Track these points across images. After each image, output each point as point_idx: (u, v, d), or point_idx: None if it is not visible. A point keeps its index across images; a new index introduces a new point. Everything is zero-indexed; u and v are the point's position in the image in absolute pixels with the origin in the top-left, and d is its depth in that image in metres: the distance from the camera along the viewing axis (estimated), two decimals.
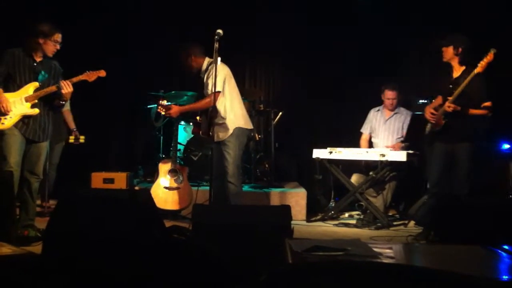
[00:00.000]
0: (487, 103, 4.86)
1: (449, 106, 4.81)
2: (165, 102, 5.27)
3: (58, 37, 4.61)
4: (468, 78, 4.71)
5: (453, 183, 4.98)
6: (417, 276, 1.55)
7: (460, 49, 4.92)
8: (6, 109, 4.45)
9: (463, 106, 4.83)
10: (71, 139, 6.22)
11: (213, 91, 4.95)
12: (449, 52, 4.96)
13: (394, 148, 6.07)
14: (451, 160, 4.98)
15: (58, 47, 4.63)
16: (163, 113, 5.28)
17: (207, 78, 5.13)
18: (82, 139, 6.24)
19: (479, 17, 6.38)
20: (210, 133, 5.21)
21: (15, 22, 6.14)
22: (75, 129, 6.25)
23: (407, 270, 1.61)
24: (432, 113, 5.03)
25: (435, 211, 4.99)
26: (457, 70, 5.00)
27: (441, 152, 5.04)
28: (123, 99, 7.22)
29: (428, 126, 5.17)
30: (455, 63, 4.99)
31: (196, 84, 5.62)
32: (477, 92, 4.81)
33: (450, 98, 4.84)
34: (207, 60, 5.26)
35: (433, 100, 5.26)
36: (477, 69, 4.68)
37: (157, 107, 5.42)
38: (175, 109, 5.25)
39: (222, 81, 5.12)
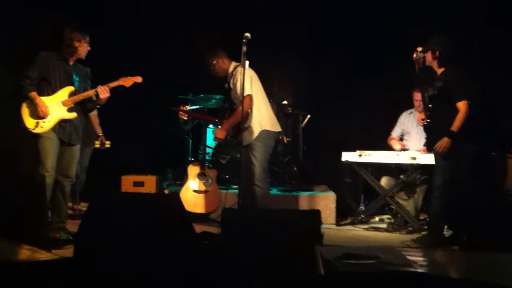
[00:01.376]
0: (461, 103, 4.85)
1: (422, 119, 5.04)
2: (187, 108, 5.30)
3: (87, 40, 4.71)
4: None
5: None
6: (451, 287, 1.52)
7: (437, 53, 4.95)
8: (45, 113, 4.53)
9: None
10: (97, 144, 6.29)
11: (243, 95, 4.97)
12: (428, 57, 5.00)
13: (424, 151, 5.97)
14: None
15: (89, 48, 4.73)
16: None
17: (235, 81, 5.12)
18: (108, 144, 6.30)
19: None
20: (239, 137, 5.22)
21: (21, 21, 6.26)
22: (101, 134, 6.31)
23: (441, 281, 1.58)
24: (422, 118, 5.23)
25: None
26: (438, 73, 5.05)
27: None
28: (152, 102, 7.26)
29: None
30: (435, 66, 5.04)
31: (223, 87, 5.62)
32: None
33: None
34: (233, 64, 5.27)
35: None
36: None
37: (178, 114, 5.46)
38: (220, 133, 5.25)
39: (250, 84, 5.12)
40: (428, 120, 5.00)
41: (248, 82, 5.07)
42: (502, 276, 2.02)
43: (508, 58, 6.47)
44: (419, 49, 4.91)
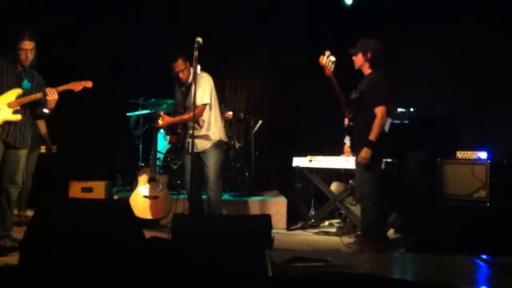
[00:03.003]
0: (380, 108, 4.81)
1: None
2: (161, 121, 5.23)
3: (24, 44, 4.50)
4: None
5: None
6: None
7: (369, 54, 4.93)
8: None
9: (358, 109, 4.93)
10: (43, 149, 6.15)
11: (201, 103, 5.05)
12: (359, 59, 4.99)
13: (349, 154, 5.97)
14: None
15: (28, 55, 4.53)
16: (155, 124, 5.23)
17: (197, 87, 5.02)
18: (54, 148, 6.17)
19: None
20: (185, 145, 5.25)
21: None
22: (47, 139, 6.17)
23: (387, 282, 1.62)
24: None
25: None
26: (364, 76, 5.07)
27: None
28: (102, 107, 7.15)
29: None
30: (365, 69, 5.01)
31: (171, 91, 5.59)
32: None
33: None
34: (191, 69, 5.23)
35: None
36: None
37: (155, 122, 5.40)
38: (166, 120, 5.24)
39: (210, 93, 5.15)
40: (351, 123, 4.99)
41: (208, 91, 5.15)
42: (448, 277, 2.08)
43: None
44: (327, 53, 4.74)
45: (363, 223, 5.12)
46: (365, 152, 4.76)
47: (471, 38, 6.56)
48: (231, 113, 7.01)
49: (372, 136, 4.74)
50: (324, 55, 4.72)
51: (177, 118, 5.25)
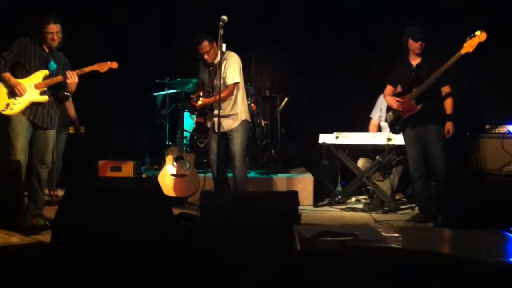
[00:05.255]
0: (447, 88, 5.17)
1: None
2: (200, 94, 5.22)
3: (50, 28, 4.55)
4: (454, 59, 4.76)
5: (432, 165, 5.17)
6: (426, 261, 1.55)
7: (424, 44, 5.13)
8: (23, 91, 4.46)
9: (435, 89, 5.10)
10: (71, 130, 6.24)
11: (232, 82, 5.09)
12: (422, 46, 5.15)
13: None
14: (424, 143, 5.20)
15: (55, 37, 4.58)
16: (195, 103, 5.22)
17: (227, 66, 5.06)
18: (82, 129, 6.26)
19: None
20: (208, 124, 5.33)
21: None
22: (76, 120, 6.26)
23: (416, 255, 1.61)
24: (398, 101, 5.23)
25: (442, 196, 5.04)
26: (414, 59, 5.20)
27: (414, 136, 5.24)
28: (129, 87, 7.20)
29: (390, 115, 5.43)
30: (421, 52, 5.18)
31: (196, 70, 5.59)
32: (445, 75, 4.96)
33: (416, 87, 5.08)
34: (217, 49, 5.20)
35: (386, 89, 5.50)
36: (466, 50, 4.71)
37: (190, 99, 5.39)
38: (203, 101, 5.21)
39: (239, 72, 5.16)
40: (420, 106, 5.10)
41: (238, 70, 5.16)
42: (479, 250, 2.07)
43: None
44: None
45: (424, 199, 5.21)
46: (451, 125, 5.11)
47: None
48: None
49: (451, 111, 5.13)
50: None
51: (211, 99, 5.19)
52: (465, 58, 4.84)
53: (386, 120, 5.65)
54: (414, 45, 5.13)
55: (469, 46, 4.69)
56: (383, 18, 7.04)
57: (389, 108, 5.47)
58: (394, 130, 5.47)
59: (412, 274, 1.43)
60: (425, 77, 5.03)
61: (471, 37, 4.69)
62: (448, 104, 5.17)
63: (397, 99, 5.25)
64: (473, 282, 1.43)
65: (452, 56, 4.79)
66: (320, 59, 7.55)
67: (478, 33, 4.68)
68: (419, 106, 5.11)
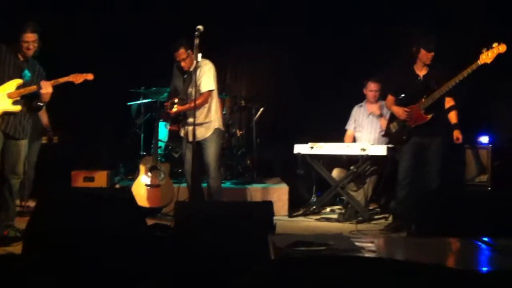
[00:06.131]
0: (451, 99, 5.21)
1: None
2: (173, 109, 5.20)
3: (27, 37, 4.48)
4: (469, 70, 4.73)
5: (425, 176, 5.20)
6: (400, 270, 1.56)
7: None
8: None
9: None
10: (44, 139, 6.16)
11: (207, 89, 5.09)
12: (432, 55, 5.14)
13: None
14: (424, 153, 5.20)
15: (30, 47, 4.50)
16: (169, 111, 5.20)
17: (201, 74, 5.07)
18: (55, 139, 6.18)
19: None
20: (181, 132, 5.33)
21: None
22: (49, 129, 6.18)
23: (389, 264, 1.62)
24: (406, 111, 5.23)
25: (407, 203, 5.12)
26: (422, 69, 5.21)
27: (417, 146, 5.23)
28: (103, 96, 7.14)
29: (395, 124, 5.42)
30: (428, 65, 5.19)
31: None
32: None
33: (425, 97, 5.07)
34: (193, 57, 5.20)
35: (387, 99, 5.55)
36: (484, 60, 4.66)
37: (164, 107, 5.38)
38: (178, 108, 5.20)
39: (214, 80, 5.16)
40: (431, 115, 5.09)
41: (212, 78, 5.17)
42: (451, 258, 2.09)
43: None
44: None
45: (404, 207, 5.24)
46: (459, 133, 5.21)
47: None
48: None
49: (457, 120, 5.22)
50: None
51: (186, 106, 5.18)
52: None
53: (388, 130, 5.57)
54: (426, 55, 5.12)
55: (487, 57, 4.64)
56: (359, 29, 7.13)
57: (392, 118, 5.46)
58: (399, 139, 5.39)
59: (384, 283, 1.44)
60: (435, 86, 5.03)
61: (489, 49, 4.64)
62: (453, 114, 5.22)
63: (405, 109, 5.23)
64: None
65: (467, 67, 4.75)
66: (296, 70, 7.60)
67: (495, 44, 4.63)
68: (429, 116, 5.09)
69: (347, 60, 7.21)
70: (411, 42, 5.23)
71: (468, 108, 6.41)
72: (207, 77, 5.09)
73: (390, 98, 5.49)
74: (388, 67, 6.11)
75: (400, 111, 5.27)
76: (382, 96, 6.32)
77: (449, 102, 5.23)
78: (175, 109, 5.14)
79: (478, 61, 4.67)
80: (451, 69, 4.97)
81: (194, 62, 5.00)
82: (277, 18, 7.57)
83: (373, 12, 7.13)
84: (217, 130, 5.27)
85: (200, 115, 5.14)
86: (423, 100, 5.10)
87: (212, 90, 5.17)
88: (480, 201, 3.81)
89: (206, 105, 5.19)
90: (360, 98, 6.47)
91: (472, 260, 2.12)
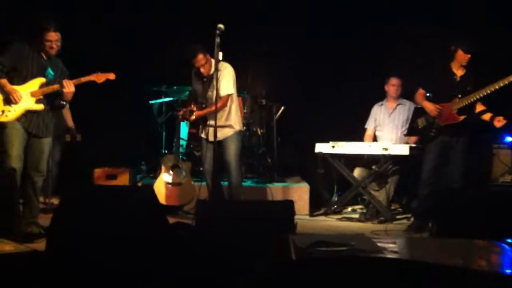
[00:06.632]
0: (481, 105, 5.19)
1: (499, 121, 5.07)
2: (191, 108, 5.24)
3: (50, 36, 4.52)
4: (510, 78, 4.71)
5: (448, 176, 5.15)
6: (422, 271, 1.55)
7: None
8: (18, 98, 4.44)
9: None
10: (68, 137, 6.23)
11: (226, 93, 5.09)
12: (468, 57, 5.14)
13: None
14: (449, 152, 5.16)
15: (53, 46, 4.55)
16: (188, 118, 5.27)
17: (221, 77, 4.98)
18: (79, 137, 6.25)
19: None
20: (203, 133, 5.35)
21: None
22: (73, 128, 6.25)
23: (412, 266, 1.61)
24: (438, 108, 5.17)
25: (438, 204, 5.05)
26: (459, 69, 5.17)
27: (444, 145, 5.18)
28: (126, 95, 7.20)
29: (423, 120, 5.35)
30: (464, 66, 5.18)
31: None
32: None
33: (459, 97, 5.04)
34: (213, 60, 5.19)
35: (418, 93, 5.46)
36: None
37: (177, 111, 5.40)
38: (196, 114, 5.25)
39: (233, 83, 5.18)
40: (463, 116, 5.08)
41: (231, 81, 5.18)
42: (474, 260, 2.07)
43: None
44: None
45: (426, 206, 5.19)
46: (502, 117, 5.10)
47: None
48: None
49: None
50: None
51: (205, 111, 5.23)
52: None
53: (414, 125, 5.47)
54: (463, 57, 5.09)
55: None
56: (383, 29, 7.08)
57: (421, 113, 5.38)
58: (426, 136, 5.33)
59: (407, 285, 1.43)
60: (471, 89, 5.01)
61: None
62: (487, 116, 5.18)
63: (437, 106, 5.18)
64: None
65: (509, 75, 4.73)
66: (317, 69, 7.56)
67: None
68: (462, 117, 5.06)
69: (370, 58, 7.16)
70: (448, 40, 5.20)
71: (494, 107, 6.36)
72: (226, 81, 5.09)
73: (421, 92, 5.40)
74: (417, 62, 6.06)
75: (432, 108, 5.19)
76: (402, 93, 6.28)
77: (480, 107, 5.18)
78: (193, 116, 5.20)
79: None
80: (488, 74, 4.96)
81: (213, 64, 4.99)
82: (300, 18, 7.55)
83: None
84: (238, 132, 5.31)
85: (221, 118, 5.15)
86: (457, 100, 5.06)
87: (231, 94, 5.18)
88: (503, 202, 3.77)
89: (226, 108, 5.20)
90: (380, 96, 6.42)
91: (495, 262, 2.09)
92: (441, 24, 5.64)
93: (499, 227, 3.25)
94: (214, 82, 4.82)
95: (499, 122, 5.09)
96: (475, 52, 5.05)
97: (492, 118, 5.13)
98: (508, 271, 1.96)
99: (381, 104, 6.41)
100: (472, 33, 5.40)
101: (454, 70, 5.19)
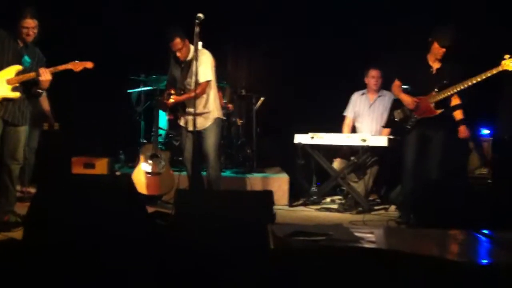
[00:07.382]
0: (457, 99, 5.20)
1: (462, 132, 5.23)
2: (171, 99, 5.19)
3: (26, 23, 4.43)
4: (489, 73, 4.67)
5: (426, 168, 5.16)
6: (398, 261, 1.57)
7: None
8: None
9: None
10: (46, 126, 6.15)
11: (205, 80, 5.04)
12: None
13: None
14: (427, 145, 5.17)
15: (30, 33, 4.46)
16: (166, 101, 5.20)
17: (199, 64, 4.92)
18: (56, 126, 6.17)
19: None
20: (181, 121, 5.33)
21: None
22: (50, 116, 6.17)
23: (388, 255, 1.63)
24: (415, 101, 5.15)
25: (415, 195, 5.10)
26: (434, 62, 5.13)
27: (421, 137, 5.19)
28: (104, 83, 7.12)
29: (399, 112, 5.34)
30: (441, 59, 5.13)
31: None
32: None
33: (436, 90, 5.01)
34: (191, 46, 5.16)
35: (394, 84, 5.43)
36: (507, 67, 4.59)
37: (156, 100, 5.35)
38: (175, 98, 5.19)
39: (212, 70, 5.14)
40: (440, 110, 5.07)
41: (210, 68, 5.14)
42: (450, 250, 2.10)
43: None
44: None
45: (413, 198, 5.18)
46: (465, 128, 5.28)
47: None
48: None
49: (463, 116, 5.26)
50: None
51: (184, 96, 5.19)
52: None
53: (391, 117, 5.45)
54: (438, 50, 5.04)
55: (509, 64, 4.56)
56: (358, 18, 7.11)
57: (398, 105, 5.36)
58: (402, 128, 5.31)
59: (384, 274, 1.44)
60: (448, 82, 4.96)
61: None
62: (459, 112, 5.22)
63: (414, 98, 5.15)
64: (442, 282, 1.45)
65: (487, 70, 4.69)
66: (296, 58, 7.57)
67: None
68: (439, 111, 5.05)
69: (348, 46, 7.18)
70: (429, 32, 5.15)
71: (470, 100, 6.43)
72: (204, 67, 5.05)
73: (397, 83, 5.37)
74: (397, 53, 6.06)
75: (409, 100, 5.17)
76: (383, 85, 6.30)
77: (455, 100, 5.17)
78: (172, 100, 5.14)
79: (500, 67, 4.61)
80: (463, 68, 4.95)
81: (192, 51, 4.95)
82: (279, 8, 7.54)
83: None
84: (217, 119, 5.26)
85: (199, 105, 5.12)
86: (434, 93, 5.03)
87: (209, 81, 5.15)
88: (480, 194, 3.82)
89: (205, 95, 5.17)
90: (360, 87, 6.45)
91: (471, 252, 2.13)
92: (441, 24, 5.62)
93: (475, 218, 3.30)
94: (193, 69, 4.81)
95: (462, 133, 5.23)
96: (450, 46, 4.99)
97: (458, 124, 5.22)
98: (483, 261, 1.99)
99: (362, 94, 6.38)
100: (465, 31, 5.36)
101: (430, 63, 5.15)
